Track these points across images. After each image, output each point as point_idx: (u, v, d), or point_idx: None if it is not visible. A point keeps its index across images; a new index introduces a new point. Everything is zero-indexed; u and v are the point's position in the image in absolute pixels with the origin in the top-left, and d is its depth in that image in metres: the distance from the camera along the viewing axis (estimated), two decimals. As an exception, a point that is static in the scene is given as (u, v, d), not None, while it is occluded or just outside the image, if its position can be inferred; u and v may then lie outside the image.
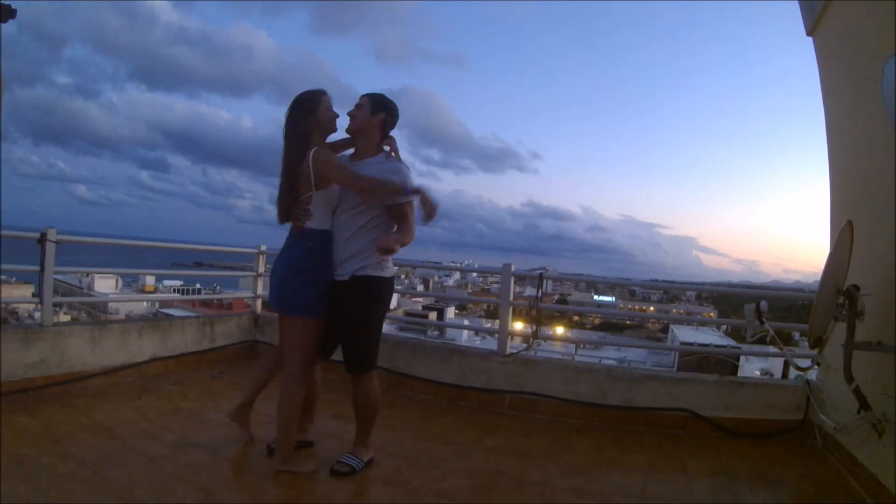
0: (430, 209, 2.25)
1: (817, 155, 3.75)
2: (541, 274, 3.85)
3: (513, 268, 3.83)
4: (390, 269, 2.40)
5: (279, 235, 2.40)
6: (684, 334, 24.29)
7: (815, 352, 2.90)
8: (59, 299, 3.87)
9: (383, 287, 2.39)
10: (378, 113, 2.34)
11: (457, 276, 76.53)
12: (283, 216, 2.33)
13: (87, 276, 33.96)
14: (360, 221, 2.29)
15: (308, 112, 2.29)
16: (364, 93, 2.43)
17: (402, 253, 2.32)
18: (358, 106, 2.36)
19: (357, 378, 2.40)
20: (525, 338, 3.95)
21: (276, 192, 2.32)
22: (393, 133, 2.44)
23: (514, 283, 3.98)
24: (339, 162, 2.31)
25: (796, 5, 3.48)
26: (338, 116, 2.39)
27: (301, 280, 2.27)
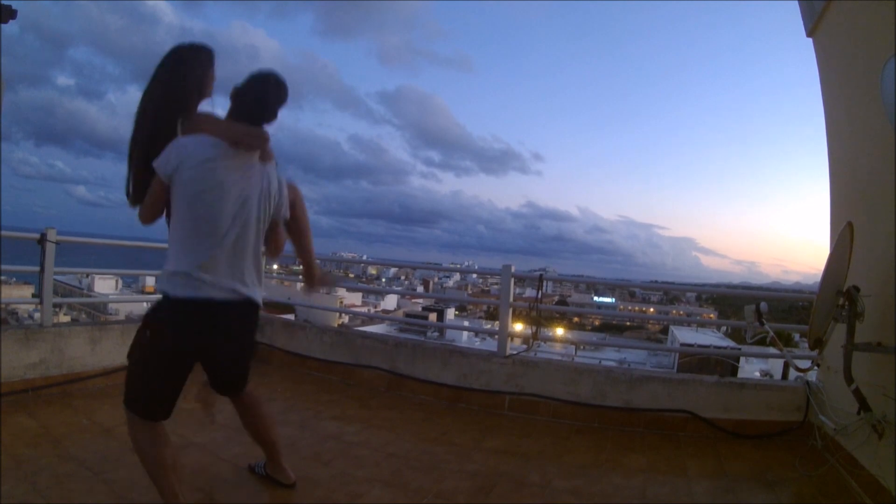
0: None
1: (817, 156, 3.75)
2: (541, 275, 3.84)
3: (513, 269, 3.82)
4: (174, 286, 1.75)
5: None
6: (684, 335, 24.28)
7: (814, 353, 2.90)
8: (58, 300, 3.87)
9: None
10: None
11: (457, 277, 76.61)
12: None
13: (87, 276, 33.95)
14: None
15: (192, 68, 1.85)
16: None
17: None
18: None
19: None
20: (525, 339, 3.95)
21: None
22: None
23: (514, 284, 3.98)
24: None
25: (796, 6, 3.49)
26: (215, 79, 1.94)
27: None
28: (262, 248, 2.00)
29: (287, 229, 2.10)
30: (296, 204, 2.07)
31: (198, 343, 1.80)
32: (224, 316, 1.80)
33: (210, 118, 1.83)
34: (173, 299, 1.73)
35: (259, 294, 1.89)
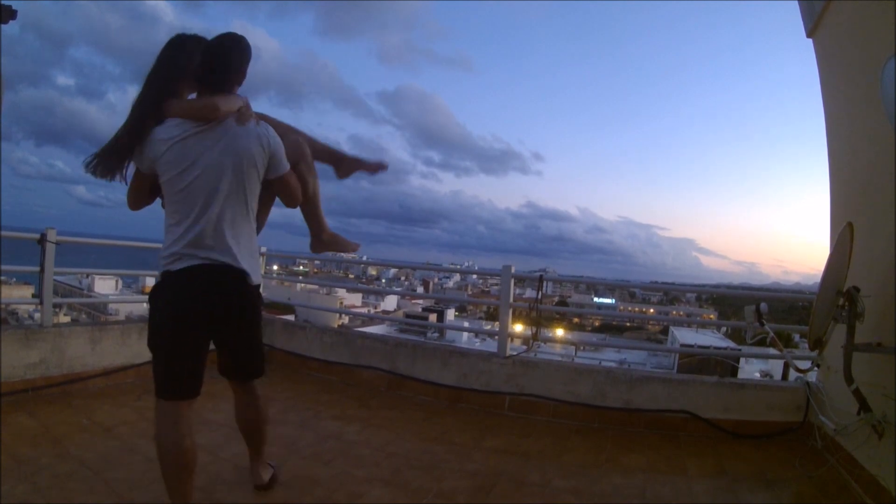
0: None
1: (817, 156, 3.76)
2: (541, 276, 3.84)
3: (513, 269, 3.82)
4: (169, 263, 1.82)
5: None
6: (684, 336, 24.28)
7: (815, 353, 2.90)
8: (58, 300, 3.87)
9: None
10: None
11: (457, 277, 76.62)
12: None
13: (87, 276, 33.97)
14: None
15: (189, 59, 1.80)
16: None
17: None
18: None
19: None
20: (525, 339, 3.95)
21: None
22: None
23: (514, 284, 3.98)
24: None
25: (796, 6, 3.49)
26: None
27: None
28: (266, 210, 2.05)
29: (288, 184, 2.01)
30: (299, 161, 2.00)
31: (194, 306, 1.78)
32: (212, 274, 1.79)
33: (174, 101, 1.79)
34: (165, 273, 1.81)
35: (249, 266, 1.84)
